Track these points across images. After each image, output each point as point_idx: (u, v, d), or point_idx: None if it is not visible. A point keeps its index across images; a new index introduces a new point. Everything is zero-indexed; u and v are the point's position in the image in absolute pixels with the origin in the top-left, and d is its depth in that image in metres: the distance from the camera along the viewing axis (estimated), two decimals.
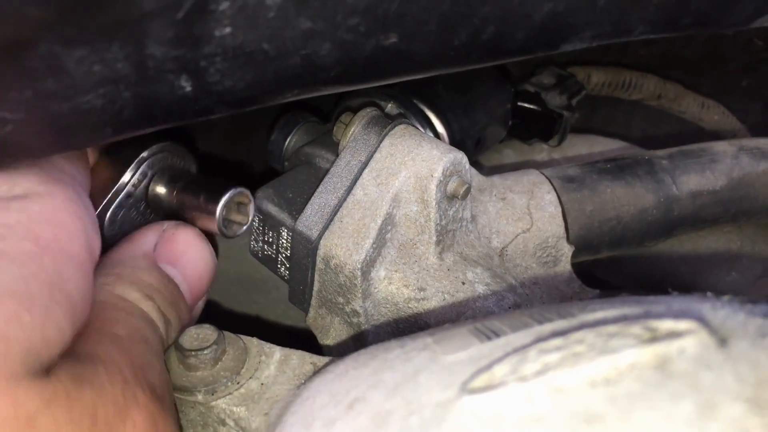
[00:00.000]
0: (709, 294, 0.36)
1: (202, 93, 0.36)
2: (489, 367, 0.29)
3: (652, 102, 0.87)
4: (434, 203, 0.52)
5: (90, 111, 0.34)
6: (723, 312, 0.31)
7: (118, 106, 0.35)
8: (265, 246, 0.59)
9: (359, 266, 0.51)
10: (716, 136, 0.87)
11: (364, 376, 0.35)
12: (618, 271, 0.73)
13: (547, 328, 0.31)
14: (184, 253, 0.49)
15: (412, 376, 0.32)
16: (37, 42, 0.30)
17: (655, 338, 0.28)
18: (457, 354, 0.32)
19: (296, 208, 0.56)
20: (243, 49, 0.35)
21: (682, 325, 0.29)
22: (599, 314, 0.32)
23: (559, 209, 0.60)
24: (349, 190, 0.54)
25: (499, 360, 0.29)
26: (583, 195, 0.61)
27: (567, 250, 0.61)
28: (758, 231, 0.74)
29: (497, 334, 0.33)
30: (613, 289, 0.60)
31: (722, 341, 0.28)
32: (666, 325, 0.29)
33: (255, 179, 0.60)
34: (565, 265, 0.61)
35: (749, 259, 0.72)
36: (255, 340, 0.47)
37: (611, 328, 0.29)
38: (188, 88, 0.36)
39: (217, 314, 0.71)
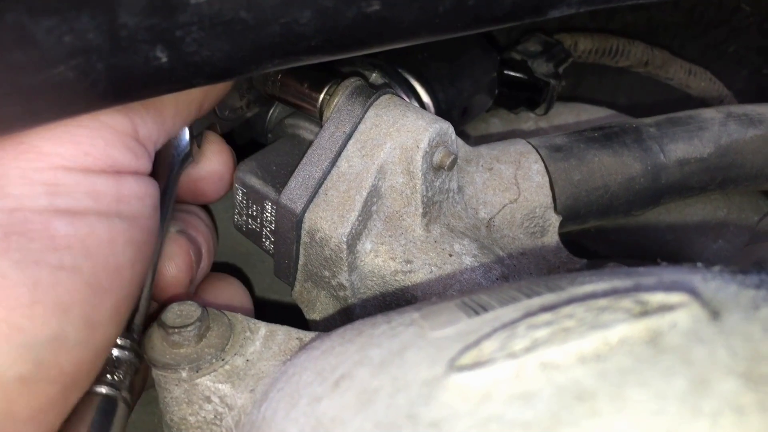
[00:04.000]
0: (699, 264, 0.35)
1: (179, 64, 0.35)
2: (477, 343, 0.29)
3: (639, 69, 0.86)
4: (420, 174, 0.52)
5: (62, 83, 0.33)
6: (714, 283, 0.30)
7: (92, 79, 0.34)
8: (249, 220, 0.58)
9: (345, 239, 0.50)
10: (703, 102, 0.86)
11: (350, 352, 0.34)
12: (605, 240, 0.73)
13: (536, 302, 0.31)
14: None
15: (398, 352, 0.31)
16: (3, 12, 0.29)
17: (646, 312, 0.27)
18: (444, 330, 0.31)
19: (280, 181, 0.55)
20: (220, 18, 0.34)
21: (674, 297, 0.28)
22: (589, 287, 0.31)
23: (547, 179, 0.60)
24: (334, 162, 0.53)
25: (488, 336, 0.29)
26: (570, 164, 0.60)
27: (554, 220, 0.60)
28: (745, 198, 0.74)
29: (485, 309, 0.32)
30: (601, 259, 0.60)
31: (714, 314, 0.27)
32: (657, 298, 0.28)
33: (237, 152, 0.59)
34: (552, 236, 0.60)
35: (736, 227, 0.72)
36: (240, 316, 0.46)
37: (601, 302, 0.29)
38: (164, 59, 0.34)
39: None
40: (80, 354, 0.38)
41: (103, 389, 0.43)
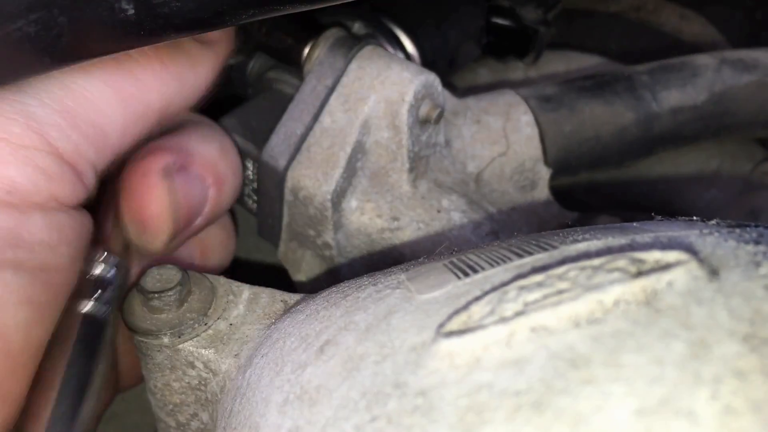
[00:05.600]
0: (695, 218, 0.34)
1: (147, 16, 0.33)
2: (466, 307, 0.27)
3: (631, 14, 0.84)
4: (406, 129, 0.50)
5: (23, 39, 0.31)
6: (712, 239, 0.29)
7: (55, 33, 0.32)
8: None
9: (329, 197, 0.49)
10: (696, 48, 0.84)
11: (335, 317, 0.33)
12: (596, 192, 0.72)
13: (527, 261, 0.30)
14: None
15: (384, 317, 0.30)
16: None
17: (641, 272, 0.26)
18: (432, 293, 0.30)
19: (261, 138, 0.54)
20: None
21: (671, 255, 0.27)
22: (582, 246, 0.30)
23: (536, 131, 0.58)
24: (316, 117, 0.51)
25: (477, 299, 0.27)
26: (560, 115, 0.59)
27: (544, 173, 0.59)
28: (738, 146, 0.72)
29: (474, 270, 0.31)
30: (593, 212, 0.58)
31: (713, 272, 0.26)
32: (653, 256, 0.27)
33: (216, 107, 0.57)
34: (542, 189, 0.59)
35: (729, 176, 0.71)
36: (222, 279, 0.45)
37: (595, 262, 0.27)
38: (131, 11, 0.32)
39: None
40: None
41: (88, 308, 0.40)
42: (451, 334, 0.26)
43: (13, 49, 0.32)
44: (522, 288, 0.27)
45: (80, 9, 0.31)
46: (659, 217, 0.36)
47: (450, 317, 0.27)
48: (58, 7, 0.31)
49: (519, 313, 0.26)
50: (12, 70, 0.34)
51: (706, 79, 0.62)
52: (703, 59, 0.64)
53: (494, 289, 0.28)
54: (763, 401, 0.21)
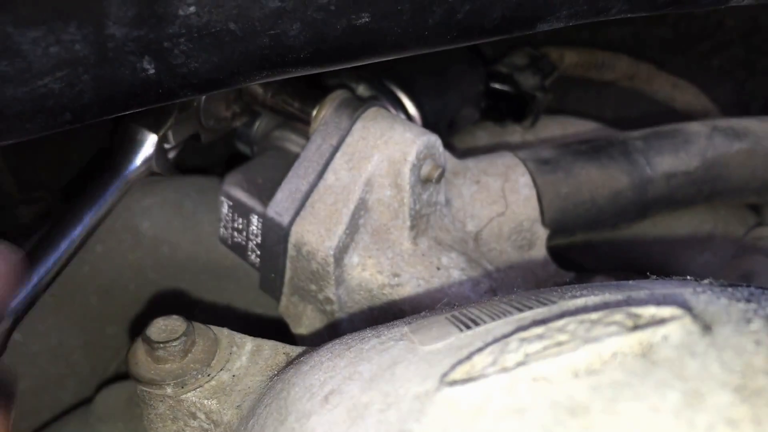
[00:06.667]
0: (689, 277, 0.35)
1: (167, 75, 0.35)
2: (469, 357, 0.28)
3: (625, 83, 0.86)
4: (408, 187, 0.51)
5: (47, 95, 0.33)
6: (705, 297, 0.30)
7: (78, 90, 0.33)
8: (235, 233, 0.58)
9: (332, 253, 0.50)
10: (688, 116, 0.87)
11: (339, 367, 0.34)
12: (592, 253, 0.73)
13: (528, 315, 0.31)
14: None
15: (388, 367, 0.31)
16: None
17: (638, 326, 0.27)
18: (435, 344, 0.31)
19: (266, 194, 0.55)
20: (208, 29, 0.33)
21: (666, 311, 0.28)
22: (580, 301, 0.31)
23: (534, 192, 0.60)
24: (321, 174, 0.52)
25: (479, 350, 0.28)
26: (557, 177, 0.60)
27: (542, 233, 0.60)
28: (731, 211, 0.74)
29: (476, 323, 0.32)
30: (589, 272, 0.60)
31: (706, 328, 0.27)
32: (649, 311, 0.28)
33: (223, 164, 0.59)
34: (540, 249, 0.60)
35: (722, 240, 0.72)
36: (225, 331, 0.46)
37: (593, 316, 0.28)
38: (151, 71, 0.34)
39: (186, 303, 0.69)
40: None
41: None
42: (454, 383, 0.27)
43: (36, 104, 0.33)
44: (523, 340, 0.28)
45: (104, 68, 0.33)
46: (654, 277, 0.37)
47: (453, 367, 0.28)
48: (83, 66, 0.32)
49: (520, 364, 0.27)
50: (34, 124, 0.36)
51: (699, 146, 0.64)
52: (696, 126, 0.66)
53: (496, 340, 0.29)
54: None
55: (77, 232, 0.51)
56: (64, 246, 0.51)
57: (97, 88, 0.34)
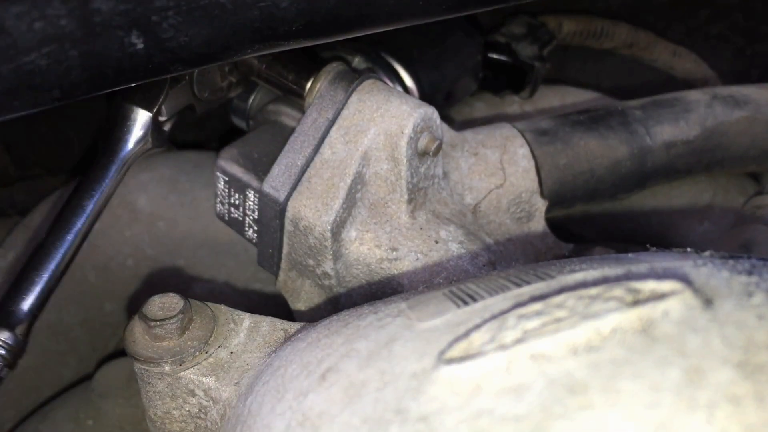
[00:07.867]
0: (689, 249, 0.35)
1: (156, 50, 0.34)
2: (466, 334, 0.28)
3: (624, 51, 0.85)
4: (405, 161, 0.51)
5: (34, 72, 0.32)
6: (706, 270, 0.30)
7: (65, 66, 0.33)
8: (232, 208, 0.57)
9: (329, 227, 0.50)
10: (688, 84, 0.86)
11: (336, 344, 0.33)
12: (591, 224, 0.73)
13: (526, 291, 0.30)
14: None
15: (386, 344, 0.30)
16: None
17: (638, 301, 0.27)
18: (432, 320, 0.31)
19: (262, 169, 0.54)
20: (198, 2, 0.33)
21: (666, 285, 0.27)
22: (579, 276, 0.30)
23: (533, 163, 0.59)
24: (317, 149, 0.52)
25: (477, 327, 0.28)
26: (556, 148, 0.60)
27: (540, 204, 0.60)
28: (730, 180, 0.74)
29: (474, 299, 0.31)
30: (587, 244, 0.59)
31: (707, 302, 0.27)
32: (649, 286, 0.28)
33: (218, 139, 0.58)
34: (539, 221, 0.60)
35: (721, 209, 0.72)
36: (223, 308, 0.45)
37: (592, 291, 0.28)
38: (140, 45, 0.33)
39: (184, 279, 0.69)
40: None
41: None
42: (451, 361, 0.27)
43: (23, 82, 0.33)
44: (521, 316, 0.27)
45: (91, 43, 0.32)
46: (654, 249, 0.37)
47: (451, 344, 0.28)
48: (69, 42, 0.32)
49: (518, 341, 0.26)
50: (22, 102, 0.35)
51: (698, 115, 0.63)
52: (695, 95, 0.65)
53: (494, 317, 0.28)
54: (756, 425, 0.22)
55: (81, 222, 0.52)
56: (71, 239, 0.52)
57: (85, 64, 0.33)
